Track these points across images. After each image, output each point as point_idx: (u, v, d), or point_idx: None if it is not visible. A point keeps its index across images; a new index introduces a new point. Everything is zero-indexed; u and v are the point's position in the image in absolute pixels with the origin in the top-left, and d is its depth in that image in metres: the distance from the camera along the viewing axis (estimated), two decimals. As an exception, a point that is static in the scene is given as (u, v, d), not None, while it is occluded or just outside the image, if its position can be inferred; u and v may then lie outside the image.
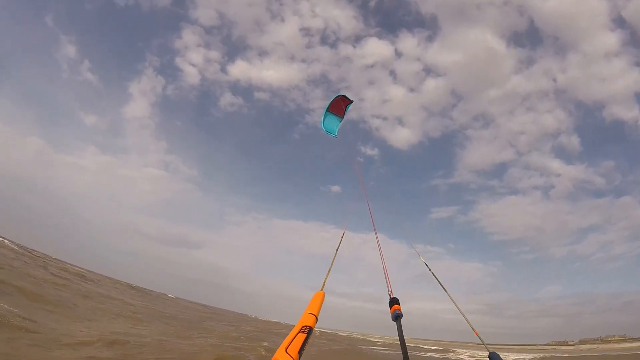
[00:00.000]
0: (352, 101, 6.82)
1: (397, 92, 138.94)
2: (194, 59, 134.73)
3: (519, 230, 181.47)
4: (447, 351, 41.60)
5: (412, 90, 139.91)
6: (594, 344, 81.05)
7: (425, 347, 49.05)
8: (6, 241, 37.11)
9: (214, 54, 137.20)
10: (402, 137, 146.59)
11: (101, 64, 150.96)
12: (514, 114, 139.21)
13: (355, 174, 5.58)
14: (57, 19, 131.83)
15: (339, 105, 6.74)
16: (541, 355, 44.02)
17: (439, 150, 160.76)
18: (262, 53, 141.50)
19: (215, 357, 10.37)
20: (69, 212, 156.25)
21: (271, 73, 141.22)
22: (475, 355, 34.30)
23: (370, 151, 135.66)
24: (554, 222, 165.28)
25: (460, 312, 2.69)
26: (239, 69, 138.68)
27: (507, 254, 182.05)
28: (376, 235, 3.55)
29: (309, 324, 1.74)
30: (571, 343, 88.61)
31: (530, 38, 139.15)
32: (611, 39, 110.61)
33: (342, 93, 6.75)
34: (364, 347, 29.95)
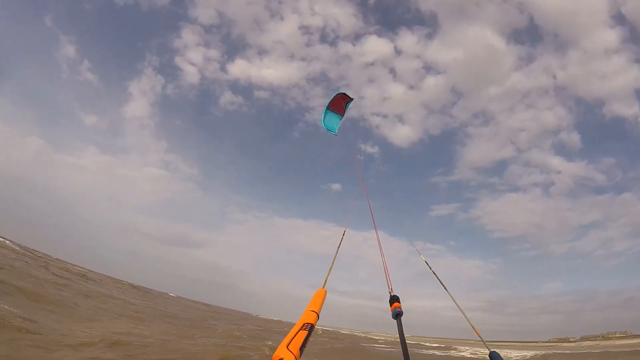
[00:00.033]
0: (352, 99, 6.79)
1: (397, 90, 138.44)
2: (194, 58, 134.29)
3: (520, 228, 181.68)
4: (449, 348, 41.62)
5: (412, 87, 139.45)
6: (595, 340, 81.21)
7: (427, 344, 49.11)
8: (7, 241, 37.03)
9: (214, 53, 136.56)
10: (402, 134, 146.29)
11: (101, 63, 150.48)
12: (514, 111, 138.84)
13: (355, 171, 5.57)
14: (57, 19, 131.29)
15: (339, 103, 6.71)
16: (543, 352, 44.00)
17: (439, 147, 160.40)
18: (262, 52, 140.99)
19: (220, 357, 10.27)
20: (70, 212, 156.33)
21: (271, 72, 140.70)
22: (477, 352, 34.25)
23: (371, 149, 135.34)
24: (555, 219, 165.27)
25: (460, 310, 2.69)
26: (239, 68, 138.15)
27: (507, 251, 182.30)
28: (376, 233, 3.57)
29: (311, 321, 1.76)
30: (572, 340, 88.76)
31: (530, 35, 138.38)
32: (611, 36, 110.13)
33: (342, 91, 6.73)
34: (366, 345, 29.93)
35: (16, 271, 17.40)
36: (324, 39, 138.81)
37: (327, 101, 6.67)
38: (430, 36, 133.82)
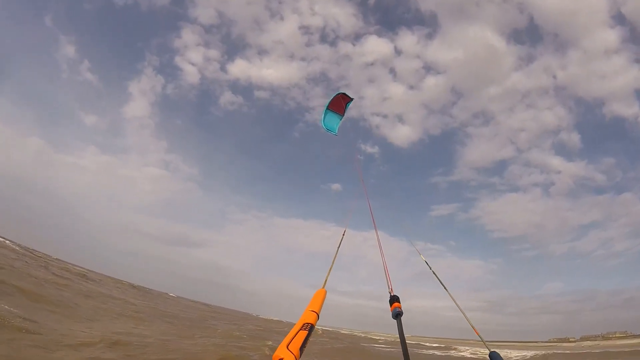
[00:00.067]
0: (352, 99, 6.80)
1: (397, 90, 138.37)
2: (194, 58, 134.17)
3: (520, 228, 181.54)
4: (449, 348, 41.61)
5: (412, 87, 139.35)
6: (595, 340, 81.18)
7: (427, 344, 49.10)
8: (7, 241, 37.04)
9: (214, 53, 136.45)
10: (402, 134, 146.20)
11: (101, 63, 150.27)
12: (514, 111, 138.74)
13: (355, 171, 5.58)
14: (56, 19, 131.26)
15: (339, 103, 6.73)
16: (543, 352, 43.97)
17: (439, 147, 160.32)
18: (262, 52, 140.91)
19: (220, 357, 10.27)
20: (70, 212, 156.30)
21: (271, 71, 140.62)
22: (477, 352, 34.24)
23: (371, 149, 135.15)
24: (555, 219, 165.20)
25: (460, 310, 2.69)
26: (239, 68, 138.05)
27: (507, 251, 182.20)
28: (376, 233, 3.58)
29: (311, 321, 1.76)
30: (572, 340, 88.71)
31: (530, 35, 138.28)
32: (611, 36, 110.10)
33: (342, 91, 6.74)
34: (366, 345, 29.93)
35: (16, 271, 17.40)
36: (324, 39, 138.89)
37: (327, 101, 6.68)
38: (430, 36, 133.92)
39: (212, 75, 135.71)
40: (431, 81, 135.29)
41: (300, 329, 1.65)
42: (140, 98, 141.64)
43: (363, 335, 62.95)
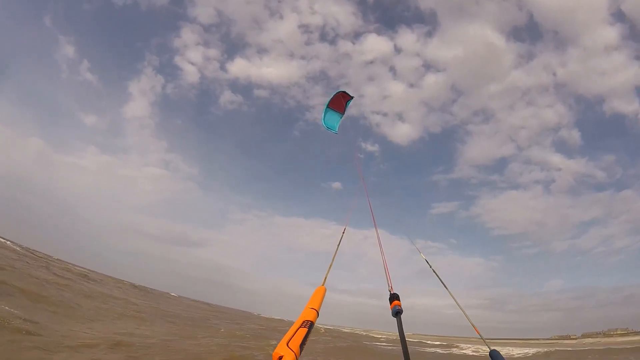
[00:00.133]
0: (352, 97, 6.81)
1: (397, 88, 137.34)
2: (193, 57, 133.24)
3: (520, 225, 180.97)
4: (451, 346, 41.58)
5: (412, 85, 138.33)
6: (597, 337, 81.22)
7: (429, 342, 49.09)
8: (8, 242, 36.96)
9: (213, 52, 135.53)
10: (402, 132, 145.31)
11: (100, 64, 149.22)
12: (514, 109, 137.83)
13: (356, 170, 5.60)
14: (56, 20, 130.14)
15: (340, 102, 6.74)
16: (545, 349, 43.94)
17: (440, 145, 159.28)
18: (261, 50, 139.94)
19: (224, 358, 10.13)
20: (70, 212, 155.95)
21: (270, 70, 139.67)
22: (479, 350, 34.21)
23: (371, 147, 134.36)
24: (555, 216, 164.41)
25: (460, 308, 2.70)
26: (239, 67, 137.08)
27: (508, 248, 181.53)
28: (376, 231, 3.60)
29: (310, 318, 1.75)
30: (573, 337, 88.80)
31: (529, 32, 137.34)
32: (611, 33, 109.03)
33: (342, 89, 6.74)
34: (368, 343, 29.86)
35: (17, 272, 17.28)
36: (323, 37, 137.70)
37: (327, 99, 6.69)
38: (430, 34, 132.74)
39: (212, 74, 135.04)
40: (431, 79, 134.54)
41: (300, 327, 1.65)
42: (140, 98, 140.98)
43: (364, 333, 62.96)
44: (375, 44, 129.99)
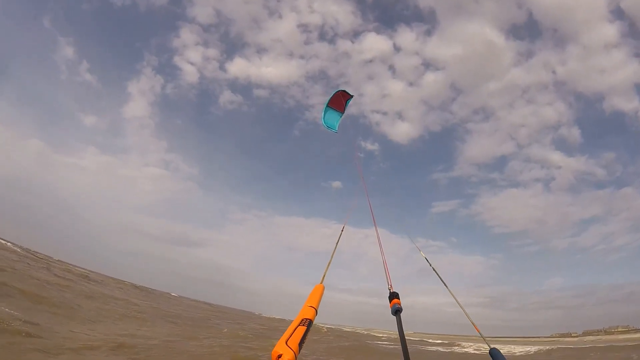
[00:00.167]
0: (352, 96, 6.81)
1: (396, 87, 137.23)
2: (193, 57, 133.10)
3: (521, 223, 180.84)
4: (452, 345, 41.54)
5: (411, 84, 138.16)
6: (598, 335, 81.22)
7: (430, 340, 49.08)
8: (8, 243, 36.89)
9: (213, 52, 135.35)
10: (402, 131, 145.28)
11: (100, 64, 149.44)
12: (514, 107, 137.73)
13: (356, 169, 5.62)
14: (55, 20, 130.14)
15: (339, 101, 6.74)
16: (547, 347, 43.93)
17: (440, 144, 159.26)
18: (261, 50, 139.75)
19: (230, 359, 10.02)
20: (70, 212, 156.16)
21: (270, 70, 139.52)
22: (480, 348, 34.15)
23: (371, 146, 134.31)
24: (555, 214, 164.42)
25: (460, 306, 2.72)
26: (238, 67, 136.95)
27: (508, 246, 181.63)
28: (376, 229, 3.64)
29: (309, 316, 1.75)
30: (574, 335, 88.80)
31: (529, 30, 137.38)
32: (610, 31, 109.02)
33: (341, 88, 6.73)
34: (370, 342, 29.79)
35: (18, 273, 17.19)
36: (322, 36, 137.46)
37: (327, 99, 6.69)
38: (429, 33, 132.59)
39: (212, 74, 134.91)
40: (430, 78, 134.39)
41: (299, 325, 1.64)
42: (139, 98, 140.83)
43: (365, 332, 62.92)
44: (375, 43, 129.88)
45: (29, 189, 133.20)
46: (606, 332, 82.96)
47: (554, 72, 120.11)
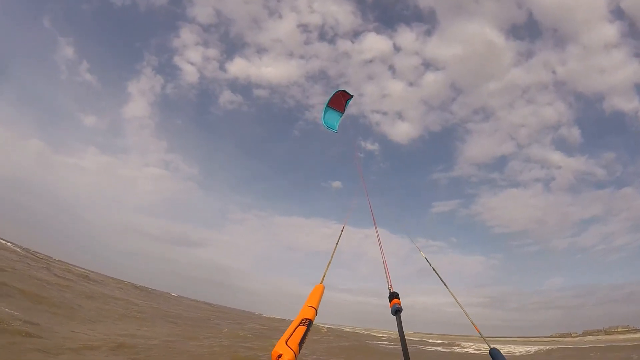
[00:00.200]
0: (352, 96, 6.81)
1: (396, 87, 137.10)
2: (193, 57, 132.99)
3: (521, 223, 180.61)
4: (453, 345, 41.51)
5: (411, 84, 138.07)
6: (598, 335, 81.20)
7: (430, 340, 49.05)
8: (8, 244, 36.90)
9: (213, 52, 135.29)
10: (402, 131, 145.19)
11: (99, 64, 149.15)
12: (514, 107, 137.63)
13: (356, 169, 5.63)
14: (54, 21, 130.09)
15: (339, 101, 6.75)
16: (547, 347, 43.92)
17: (440, 144, 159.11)
18: (261, 50, 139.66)
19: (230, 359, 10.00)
20: (71, 213, 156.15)
21: (270, 70, 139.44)
22: (481, 349, 34.13)
23: (371, 146, 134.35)
24: (556, 214, 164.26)
25: (460, 306, 2.72)
26: (238, 67, 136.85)
27: (508, 246, 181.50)
28: (376, 229, 3.65)
29: (309, 316, 1.75)
30: (575, 335, 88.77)
31: (529, 30, 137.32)
32: (610, 31, 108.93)
33: (341, 88, 6.73)
34: (370, 342, 29.78)
35: (18, 273, 17.19)
36: (322, 36, 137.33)
37: (327, 99, 6.69)
38: (429, 32, 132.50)
39: (211, 74, 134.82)
40: (430, 77, 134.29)
41: (299, 325, 1.64)
42: (139, 98, 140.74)
43: (365, 332, 62.88)
44: (375, 43, 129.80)
45: (29, 189, 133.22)
46: (606, 332, 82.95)
47: (554, 72, 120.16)
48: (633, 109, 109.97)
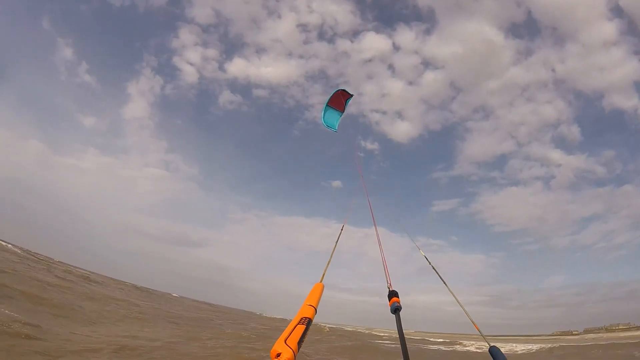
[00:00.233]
0: (351, 95, 6.79)
1: (395, 86, 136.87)
2: (192, 57, 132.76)
3: (521, 221, 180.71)
4: (454, 343, 41.46)
5: (410, 83, 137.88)
6: (599, 332, 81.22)
7: (432, 339, 48.97)
8: (9, 245, 36.82)
9: (212, 52, 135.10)
10: (402, 130, 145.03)
11: (99, 65, 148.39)
12: (513, 105, 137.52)
13: (356, 168, 5.60)
14: (53, 22, 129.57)
15: (339, 100, 6.72)
16: (549, 345, 43.88)
17: (439, 143, 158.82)
18: (260, 50, 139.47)
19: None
20: (71, 213, 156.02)
21: (269, 70, 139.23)
22: (482, 347, 34.09)
23: (371, 145, 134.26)
24: (556, 212, 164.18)
25: (460, 304, 2.73)
26: (237, 67, 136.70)
27: (509, 245, 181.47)
28: (375, 229, 3.66)
29: (308, 315, 1.75)
30: (576, 332, 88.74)
31: (528, 29, 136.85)
32: (609, 28, 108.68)
33: (341, 88, 6.68)
34: (372, 341, 29.71)
35: (18, 274, 17.08)
36: (322, 36, 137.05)
37: (326, 98, 6.67)
38: (428, 32, 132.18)
39: (211, 74, 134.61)
40: (430, 77, 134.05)
41: (298, 324, 1.64)
42: (139, 99, 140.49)
43: (367, 331, 62.82)
44: (374, 42, 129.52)
45: (29, 190, 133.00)
46: (607, 330, 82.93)
47: (553, 70, 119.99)
48: (632, 106, 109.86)
